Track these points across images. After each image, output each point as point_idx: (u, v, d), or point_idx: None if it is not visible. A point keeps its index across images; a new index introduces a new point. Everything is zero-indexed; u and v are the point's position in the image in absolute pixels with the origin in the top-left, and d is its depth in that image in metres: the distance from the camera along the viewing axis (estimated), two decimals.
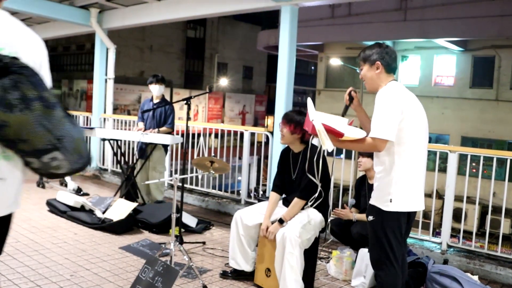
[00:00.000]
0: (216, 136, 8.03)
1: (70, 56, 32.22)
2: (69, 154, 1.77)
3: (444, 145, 5.33)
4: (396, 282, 3.13)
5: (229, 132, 7.60)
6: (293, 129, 4.09)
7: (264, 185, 8.35)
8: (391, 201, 3.04)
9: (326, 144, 3.09)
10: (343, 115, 3.29)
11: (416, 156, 3.07)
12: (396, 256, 3.10)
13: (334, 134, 3.01)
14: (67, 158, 1.77)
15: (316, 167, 3.81)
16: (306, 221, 3.90)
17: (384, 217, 3.08)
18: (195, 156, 7.48)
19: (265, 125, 38.56)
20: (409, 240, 5.29)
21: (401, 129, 2.97)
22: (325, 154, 4.32)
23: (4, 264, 4.34)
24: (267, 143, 6.99)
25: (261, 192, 7.40)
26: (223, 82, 34.99)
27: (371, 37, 16.94)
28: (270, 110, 38.61)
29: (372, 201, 3.18)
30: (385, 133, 2.91)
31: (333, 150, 3.08)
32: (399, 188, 3.03)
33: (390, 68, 3.15)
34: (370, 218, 3.17)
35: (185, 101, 4.86)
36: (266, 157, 7.47)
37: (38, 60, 1.93)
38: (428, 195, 5.72)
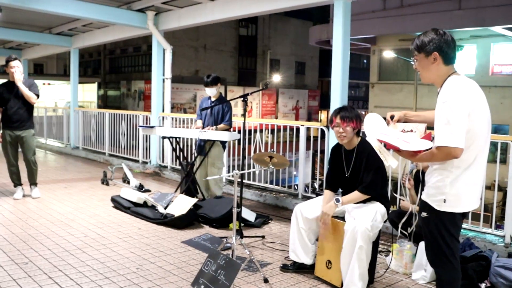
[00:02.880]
0: (270, 131, 8.11)
1: (128, 58, 33.15)
2: None
3: (505, 135, 5.16)
4: (455, 277, 3.04)
5: (284, 127, 7.66)
6: (355, 125, 4.11)
7: (320, 179, 8.37)
8: (444, 202, 2.90)
9: (388, 161, 3.04)
10: None
11: (477, 155, 2.90)
12: (453, 252, 2.99)
13: (393, 148, 2.94)
14: None
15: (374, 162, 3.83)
16: (374, 214, 3.93)
17: (438, 216, 2.95)
18: (251, 152, 7.59)
19: (319, 119, 38.41)
20: (470, 233, 5.20)
21: (467, 131, 2.79)
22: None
23: (74, 257, 4.59)
24: (321, 137, 7.02)
25: (317, 187, 7.43)
26: (276, 78, 35.09)
27: (424, 28, 16.37)
28: (324, 104, 38.46)
29: (424, 197, 3.03)
30: (460, 142, 2.74)
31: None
32: (455, 189, 2.88)
33: (449, 58, 2.94)
34: (424, 214, 3.03)
35: (242, 98, 4.96)
36: (320, 151, 7.50)
37: None
38: (488, 187, 5.61)
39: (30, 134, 7.01)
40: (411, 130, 3.04)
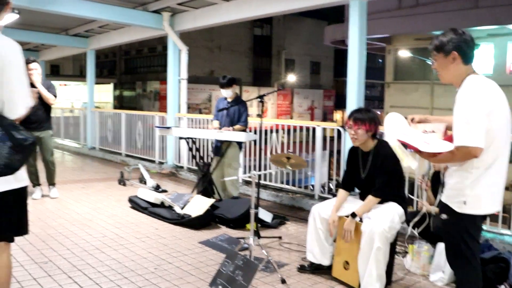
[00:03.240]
0: (287, 132, 8.12)
1: (143, 59, 33.35)
2: None
3: None
4: (476, 279, 3.01)
5: (300, 128, 7.67)
6: (369, 127, 4.09)
7: (336, 179, 8.35)
8: (465, 203, 2.87)
9: (406, 160, 3.03)
10: None
11: (497, 156, 2.87)
12: (474, 253, 2.97)
13: (413, 149, 2.93)
14: None
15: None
16: (392, 215, 3.91)
17: (458, 218, 2.93)
18: (267, 153, 7.60)
19: (334, 119, 38.33)
20: (488, 235, 5.14)
21: (486, 131, 2.76)
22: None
23: (93, 257, 4.64)
24: (338, 137, 7.03)
25: (332, 187, 7.41)
26: (291, 78, 35.11)
27: (440, 26, 16.36)
28: (339, 104, 38.39)
29: (444, 199, 3.01)
30: (480, 141, 2.73)
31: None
32: (476, 191, 2.86)
33: (468, 58, 2.92)
34: (444, 216, 3.01)
35: (259, 99, 4.97)
36: (336, 152, 7.51)
37: None
38: (506, 188, 5.53)
39: (48, 135, 7.10)
40: (432, 131, 3.03)
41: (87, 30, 12.17)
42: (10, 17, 8.96)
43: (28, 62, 6.83)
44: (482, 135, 2.73)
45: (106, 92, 33.65)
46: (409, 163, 3.06)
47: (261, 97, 4.98)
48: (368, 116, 4.12)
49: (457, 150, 2.78)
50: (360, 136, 4.12)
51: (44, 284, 3.94)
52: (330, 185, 7.71)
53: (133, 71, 34.71)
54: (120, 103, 34.21)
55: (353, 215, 4.02)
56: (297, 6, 7.31)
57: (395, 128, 3.09)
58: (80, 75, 35.26)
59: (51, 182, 7.30)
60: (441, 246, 4.30)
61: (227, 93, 6.68)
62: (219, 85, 6.69)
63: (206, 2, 8.80)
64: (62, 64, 35.79)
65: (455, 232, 2.96)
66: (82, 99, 28.53)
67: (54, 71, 35.11)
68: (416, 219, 4.34)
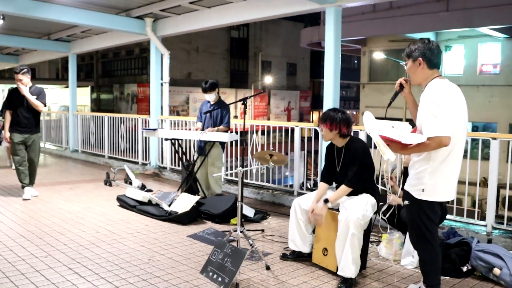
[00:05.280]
0: (262, 133, 8.49)
1: (120, 62, 33.31)
2: None
3: (485, 132, 5.52)
4: (436, 258, 3.49)
5: (280, 128, 8.06)
6: (329, 126, 4.48)
7: (314, 179, 8.75)
8: (423, 191, 3.33)
9: (387, 154, 3.44)
10: (392, 101, 3.67)
11: (451, 150, 3.29)
12: (433, 235, 3.44)
13: (393, 142, 3.33)
14: None
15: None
16: (365, 205, 4.31)
17: (418, 203, 3.39)
18: (248, 153, 7.96)
19: (311, 120, 38.81)
20: (455, 224, 5.62)
21: None
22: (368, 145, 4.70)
23: (89, 251, 4.96)
24: (315, 138, 7.46)
25: (309, 186, 7.81)
26: (268, 80, 35.47)
27: (414, 29, 17.01)
28: (315, 105, 38.89)
29: (406, 187, 3.49)
30: (446, 130, 3.15)
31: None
32: (433, 180, 3.30)
33: (432, 64, 3.38)
34: (406, 202, 3.50)
35: (242, 102, 5.32)
36: (310, 151, 7.95)
37: None
38: (473, 184, 5.99)
39: (38, 137, 7.40)
40: (392, 127, 3.46)
41: (69, 34, 12.35)
42: None
43: (15, 72, 7.07)
44: (448, 126, 3.18)
45: (83, 95, 33.58)
46: (389, 156, 3.47)
47: (244, 100, 5.33)
48: (330, 116, 4.48)
49: (429, 140, 3.21)
50: (324, 133, 4.53)
51: (48, 275, 4.24)
52: (308, 184, 8.07)
53: (111, 74, 34.70)
54: (98, 106, 34.19)
55: (326, 200, 4.39)
56: (276, 13, 7.66)
57: (373, 125, 3.51)
58: (56, 78, 35.18)
59: (32, 181, 7.57)
60: None
61: (210, 97, 7.05)
62: (202, 90, 7.04)
63: (187, 9, 9.10)
64: (38, 67, 35.54)
65: (416, 216, 3.45)
66: (59, 102, 28.57)
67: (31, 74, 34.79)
68: (384, 207, 4.78)
